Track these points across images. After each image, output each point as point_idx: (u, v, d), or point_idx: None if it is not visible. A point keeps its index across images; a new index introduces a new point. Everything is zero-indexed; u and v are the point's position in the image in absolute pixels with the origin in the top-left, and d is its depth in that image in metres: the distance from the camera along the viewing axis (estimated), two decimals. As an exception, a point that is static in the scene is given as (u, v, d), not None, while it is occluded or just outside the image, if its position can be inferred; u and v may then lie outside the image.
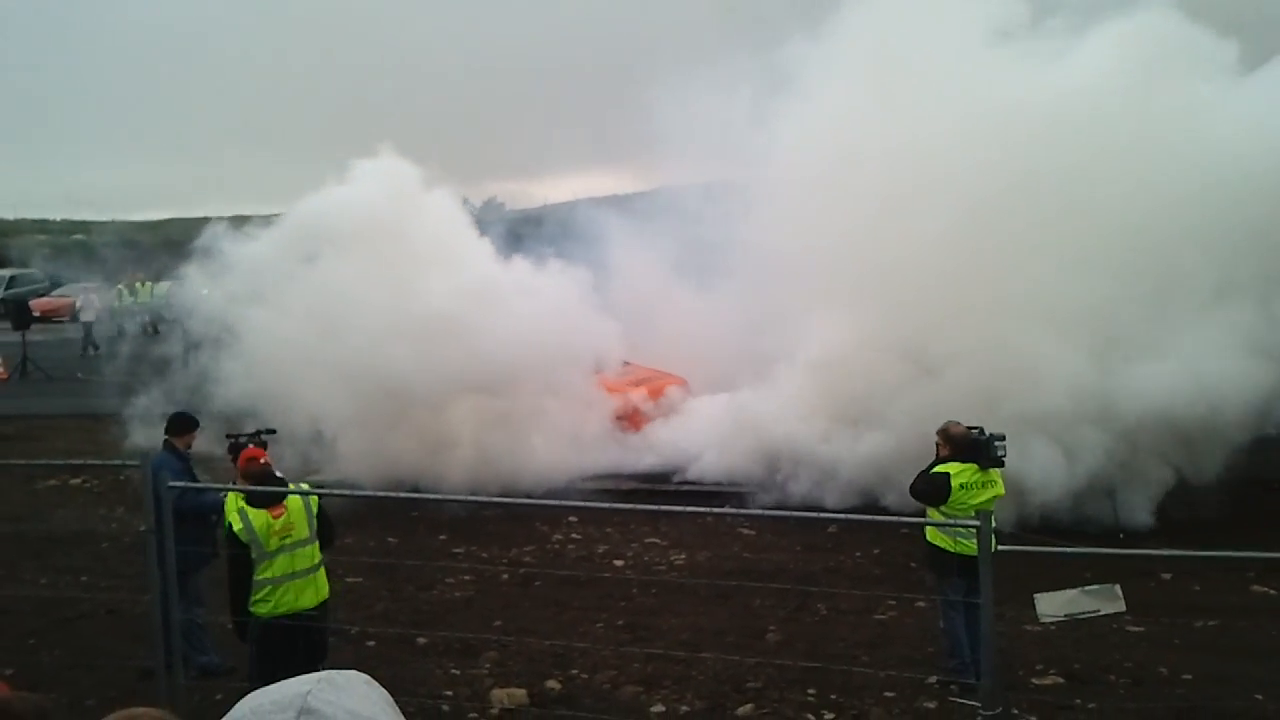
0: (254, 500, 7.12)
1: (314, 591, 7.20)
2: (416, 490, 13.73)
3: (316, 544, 7.22)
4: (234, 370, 14.76)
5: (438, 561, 11.65)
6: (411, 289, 14.54)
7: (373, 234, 14.99)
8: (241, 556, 7.09)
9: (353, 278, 14.59)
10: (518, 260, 16.15)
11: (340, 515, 12.58)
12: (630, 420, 16.25)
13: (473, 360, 13.97)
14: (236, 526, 7.03)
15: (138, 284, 31.44)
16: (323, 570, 7.34)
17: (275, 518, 7.05)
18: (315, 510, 7.24)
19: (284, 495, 7.17)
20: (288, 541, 7.06)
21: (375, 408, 14.37)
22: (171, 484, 7.28)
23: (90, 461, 14.93)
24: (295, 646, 7.03)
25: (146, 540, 6.97)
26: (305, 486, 7.60)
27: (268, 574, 7.04)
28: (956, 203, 13.12)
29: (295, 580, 7.08)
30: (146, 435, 14.17)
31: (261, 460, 7.46)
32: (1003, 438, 8.28)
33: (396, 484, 13.96)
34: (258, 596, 7.06)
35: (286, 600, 7.07)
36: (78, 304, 30.72)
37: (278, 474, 7.62)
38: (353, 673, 1.61)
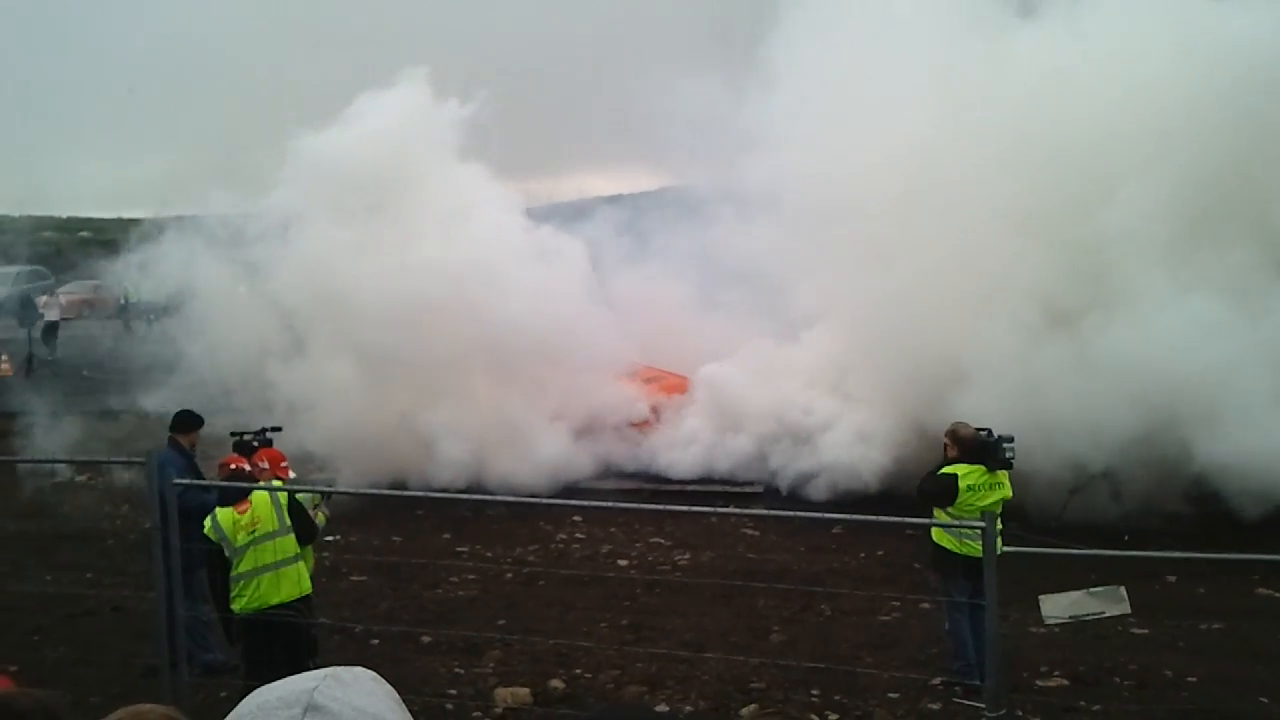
0: (222, 500, 7.22)
1: (292, 585, 7.23)
2: (408, 488, 13.80)
3: (291, 537, 7.26)
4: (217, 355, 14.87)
5: (442, 560, 11.65)
6: (412, 253, 14.57)
7: (370, 192, 14.98)
8: (220, 555, 7.18)
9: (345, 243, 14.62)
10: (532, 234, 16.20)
11: (345, 514, 12.70)
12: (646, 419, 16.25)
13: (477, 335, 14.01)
14: (206, 528, 7.15)
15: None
16: (302, 565, 7.37)
17: (240, 513, 7.12)
18: (285, 504, 7.28)
19: (248, 491, 7.24)
20: (255, 535, 7.12)
21: (369, 388, 14.42)
22: (175, 481, 7.30)
23: (95, 459, 14.95)
24: (278, 642, 7.08)
25: (151, 537, 6.99)
26: (278, 483, 7.64)
27: (239, 570, 7.13)
28: (953, 194, 13.35)
29: (266, 573, 7.13)
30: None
31: (233, 467, 7.73)
32: (1011, 439, 8.25)
33: (392, 475, 14.04)
34: (234, 593, 7.18)
35: (261, 594, 7.12)
36: (41, 302, 30.48)
37: (292, 475, 7.77)
38: (359, 669, 1.61)
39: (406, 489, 13.87)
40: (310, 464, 14.17)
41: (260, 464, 7.86)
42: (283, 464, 8.01)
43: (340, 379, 14.45)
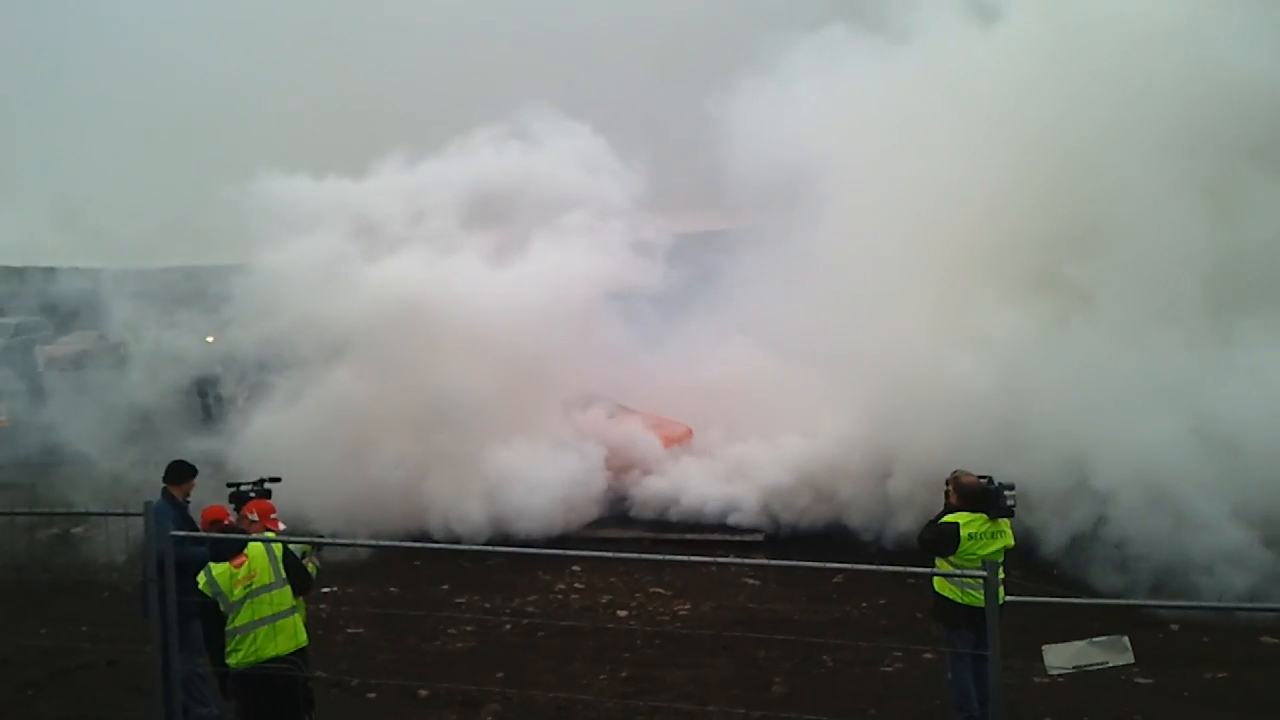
0: (215, 555, 7.17)
1: (288, 637, 7.17)
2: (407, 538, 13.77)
3: (287, 589, 7.21)
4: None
5: (440, 611, 11.57)
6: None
7: None
8: (214, 609, 7.11)
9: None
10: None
11: (342, 565, 12.64)
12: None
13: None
14: (201, 583, 7.08)
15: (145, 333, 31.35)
16: (298, 617, 7.31)
17: (236, 567, 7.07)
18: (280, 555, 7.23)
19: (244, 544, 7.20)
20: (252, 588, 7.07)
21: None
22: (172, 534, 7.27)
23: (91, 511, 14.87)
24: (273, 696, 7.00)
25: (148, 590, 6.95)
26: (271, 535, 7.60)
27: (235, 623, 7.06)
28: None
29: (263, 626, 7.07)
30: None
31: (225, 523, 7.76)
32: (1012, 487, 8.21)
33: (390, 524, 14.01)
34: (230, 647, 7.09)
35: (257, 647, 7.05)
36: (40, 353, 30.26)
37: (282, 526, 7.74)
38: None
39: (405, 539, 13.81)
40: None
41: (250, 516, 7.83)
42: (272, 515, 7.97)
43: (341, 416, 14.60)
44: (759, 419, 15.91)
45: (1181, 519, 11.53)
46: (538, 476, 14.68)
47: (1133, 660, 6.42)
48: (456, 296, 14.89)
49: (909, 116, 15.12)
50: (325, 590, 11.16)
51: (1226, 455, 11.74)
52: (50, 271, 24.34)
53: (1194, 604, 10.47)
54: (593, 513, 15.35)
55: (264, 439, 14.59)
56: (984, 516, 8.12)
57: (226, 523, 7.89)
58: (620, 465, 15.93)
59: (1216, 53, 13.18)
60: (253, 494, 8.33)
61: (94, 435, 16.56)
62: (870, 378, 14.20)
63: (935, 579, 8.25)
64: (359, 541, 13.08)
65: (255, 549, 7.18)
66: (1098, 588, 11.48)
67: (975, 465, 8.57)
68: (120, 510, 9.02)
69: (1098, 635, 6.43)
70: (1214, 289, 13.04)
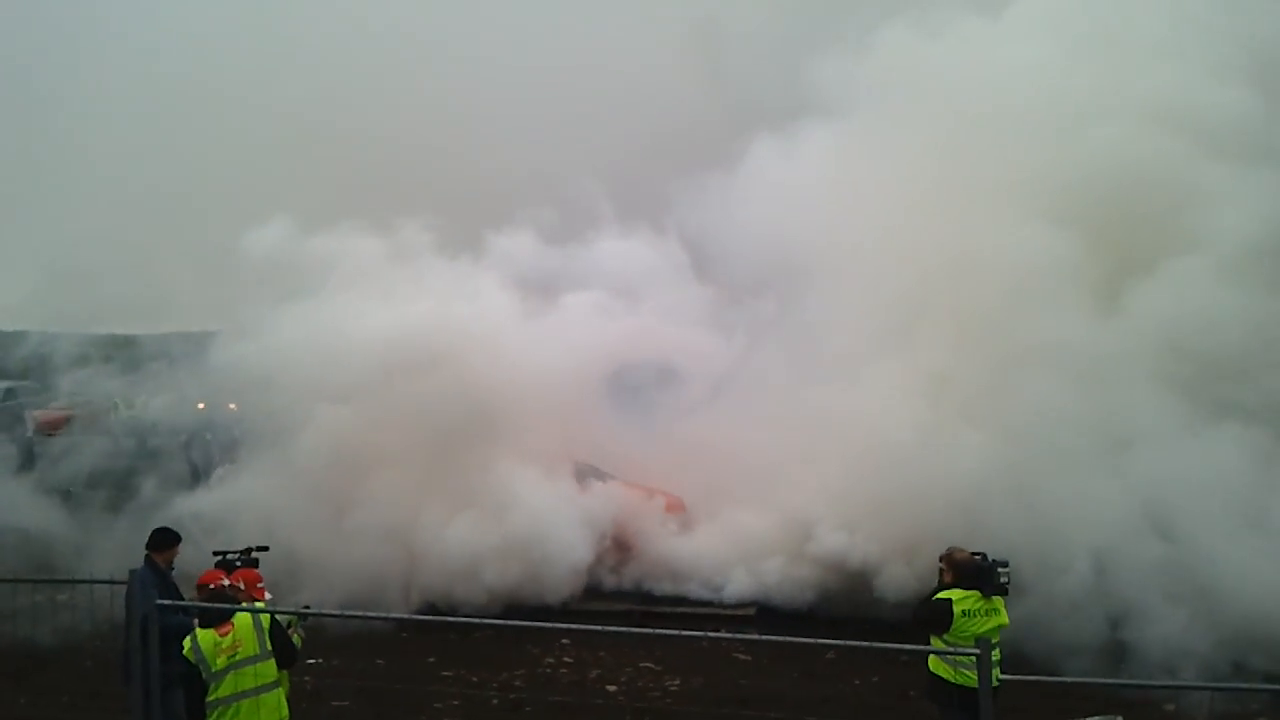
0: (203, 620, 7.07)
1: (270, 711, 7.07)
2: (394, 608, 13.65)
3: (272, 662, 7.11)
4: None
5: (426, 685, 11.40)
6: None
7: None
8: (196, 678, 7.01)
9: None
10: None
11: (328, 637, 12.47)
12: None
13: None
14: (186, 648, 6.98)
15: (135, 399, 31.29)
16: (281, 691, 7.20)
17: (221, 635, 6.98)
18: (267, 627, 7.14)
19: (231, 613, 7.10)
20: (236, 659, 6.97)
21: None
22: (158, 603, 7.19)
23: (75, 578, 14.71)
24: None
25: (130, 660, 6.85)
26: (260, 605, 7.50)
27: (215, 695, 6.94)
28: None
29: (244, 699, 6.96)
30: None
31: (212, 586, 7.58)
32: (1006, 564, 8.15)
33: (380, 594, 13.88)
34: (210, 719, 6.94)
35: None
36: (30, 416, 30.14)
37: (268, 596, 7.64)
38: None
39: (391, 610, 13.67)
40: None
41: (236, 585, 7.74)
42: (259, 585, 7.89)
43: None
44: (749, 491, 15.82)
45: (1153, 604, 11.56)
46: (551, 540, 14.63)
47: (1128, 741, 6.34)
48: (473, 346, 15.06)
49: (865, 193, 15.96)
50: (310, 662, 10.99)
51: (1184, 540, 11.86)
52: (26, 335, 24.32)
53: (1187, 684, 10.36)
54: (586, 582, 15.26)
55: (251, 503, 14.49)
56: (978, 594, 8.05)
57: (216, 587, 7.74)
58: (616, 536, 15.81)
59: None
60: (239, 563, 8.23)
61: (79, 500, 16.47)
62: (862, 452, 14.22)
63: (930, 658, 8.17)
64: (346, 613, 12.90)
65: (242, 619, 7.09)
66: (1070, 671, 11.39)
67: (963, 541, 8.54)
68: (105, 578, 8.95)
69: (1092, 715, 6.35)
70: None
